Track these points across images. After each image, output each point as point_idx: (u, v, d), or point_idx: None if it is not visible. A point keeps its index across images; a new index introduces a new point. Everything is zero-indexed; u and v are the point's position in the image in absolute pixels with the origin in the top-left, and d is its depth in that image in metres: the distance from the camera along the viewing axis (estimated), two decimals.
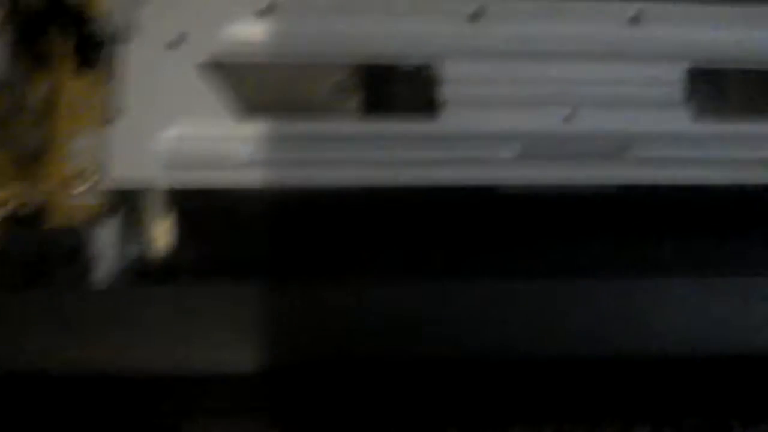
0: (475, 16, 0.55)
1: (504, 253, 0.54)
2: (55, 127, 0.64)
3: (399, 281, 0.48)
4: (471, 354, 0.47)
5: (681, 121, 0.54)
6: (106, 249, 0.50)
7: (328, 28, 0.54)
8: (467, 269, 0.53)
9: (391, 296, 0.47)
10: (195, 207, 0.52)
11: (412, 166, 0.52)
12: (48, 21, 0.63)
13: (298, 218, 0.53)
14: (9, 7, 0.59)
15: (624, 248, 0.55)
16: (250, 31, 0.54)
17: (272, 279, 0.47)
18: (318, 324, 0.47)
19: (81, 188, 0.52)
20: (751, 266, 0.54)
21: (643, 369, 0.48)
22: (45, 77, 0.64)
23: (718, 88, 0.58)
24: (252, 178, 0.51)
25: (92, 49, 0.59)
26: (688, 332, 0.47)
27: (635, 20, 0.56)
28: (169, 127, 0.51)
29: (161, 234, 0.53)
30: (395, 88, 0.55)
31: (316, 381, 0.48)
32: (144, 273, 0.52)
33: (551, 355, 0.47)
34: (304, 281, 0.48)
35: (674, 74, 0.55)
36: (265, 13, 0.54)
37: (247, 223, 0.53)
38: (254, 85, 0.54)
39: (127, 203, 0.51)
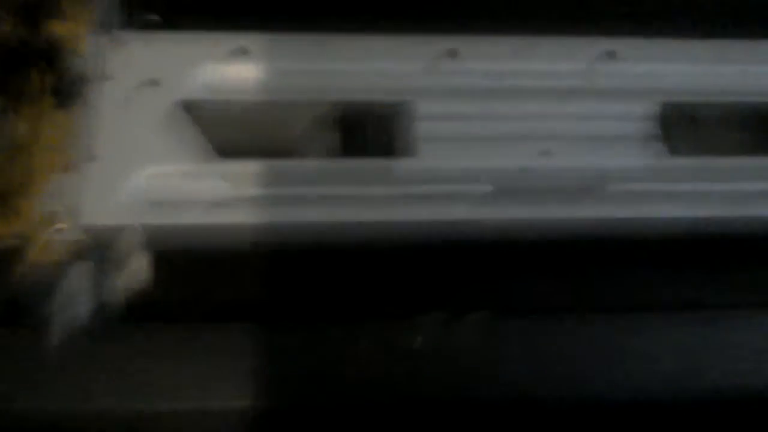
0: (449, 55, 0.56)
1: (483, 290, 0.55)
2: (32, 165, 0.64)
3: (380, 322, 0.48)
4: (462, 395, 0.47)
5: (655, 156, 0.55)
6: (82, 288, 0.50)
7: (302, 68, 0.55)
8: (445, 307, 0.53)
9: (372, 337, 0.47)
10: (169, 247, 0.52)
11: (389, 204, 0.52)
12: (26, 58, 0.63)
13: (273, 258, 0.53)
14: None
15: (599, 284, 0.55)
16: (223, 73, 0.54)
17: (250, 320, 0.47)
18: (296, 366, 0.47)
19: (57, 227, 0.52)
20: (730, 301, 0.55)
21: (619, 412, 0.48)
22: (23, 115, 0.64)
23: (691, 123, 0.59)
24: (226, 218, 0.51)
25: (68, 88, 0.59)
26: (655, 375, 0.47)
27: (608, 57, 0.57)
28: (143, 167, 0.51)
29: (136, 274, 0.53)
30: (371, 126, 0.55)
31: (297, 424, 0.48)
32: (118, 313, 0.52)
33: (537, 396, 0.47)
34: (281, 323, 0.48)
35: (647, 110, 0.56)
36: (238, 54, 0.54)
37: (222, 264, 0.53)
38: (228, 126, 0.54)
39: (102, 243, 0.51)
